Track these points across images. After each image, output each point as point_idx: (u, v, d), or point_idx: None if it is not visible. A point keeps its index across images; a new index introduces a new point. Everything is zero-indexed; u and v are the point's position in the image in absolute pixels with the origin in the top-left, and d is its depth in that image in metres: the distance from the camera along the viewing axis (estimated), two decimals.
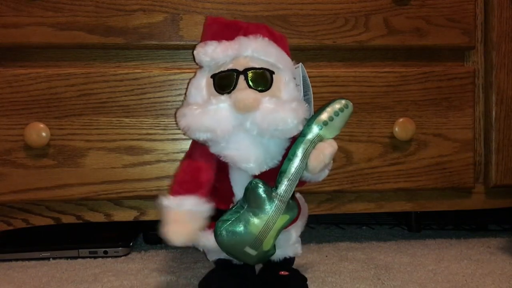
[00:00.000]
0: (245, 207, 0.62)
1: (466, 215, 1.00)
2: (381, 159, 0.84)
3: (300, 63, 0.70)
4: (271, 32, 0.69)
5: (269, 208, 0.62)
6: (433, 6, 0.84)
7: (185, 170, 0.65)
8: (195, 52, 0.67)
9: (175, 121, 0.80)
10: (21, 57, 0.80)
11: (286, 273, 0.67)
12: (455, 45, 0.86)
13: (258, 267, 0.71)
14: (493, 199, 0.90)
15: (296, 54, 0.78)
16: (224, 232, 0.61)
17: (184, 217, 0.61)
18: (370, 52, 0.86)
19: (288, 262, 0.70)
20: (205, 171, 0.64)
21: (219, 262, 0.69)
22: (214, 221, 0.63)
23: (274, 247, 0.64)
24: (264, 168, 0.64)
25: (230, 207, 0.64)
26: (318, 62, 0.85)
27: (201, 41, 0.68)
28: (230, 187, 0.67)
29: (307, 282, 0.68)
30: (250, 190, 0.62)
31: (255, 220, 0.61)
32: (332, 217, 1.06)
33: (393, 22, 0.84)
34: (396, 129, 0.83)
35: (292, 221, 0.65)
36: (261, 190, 0.62)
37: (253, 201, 0.62)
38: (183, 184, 0.63)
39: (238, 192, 0.66)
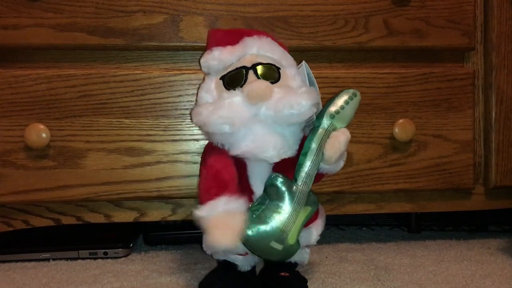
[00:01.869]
0: (267, 202, 0.62)
1: (466, 216, 1.00)
2: (381, 160, 0.84)
3: (303, 61, 0.71)
4: (273, 38, 0.71)
5: (291, 200, 0.62)
6: (432, 7, 0.84)
7: (206, 177, 0.64)
8: (202, 60, 0.69)
9: (175, 122, 0.80)
10: (21, 58, 0.80)
11: (287, 274, 0.67)
12: (454, 46, 0.86)
13: (258, 268, 0.71)
14: (493, 200, 0.90)
15: (296, 55, 0.78)
16: (248, 230, 0.61)
17: (222, 220, 0.60)
18: (370, 53, 0.86)
19: (290, 265, 0.69)
20: (225, 170, 0.64)
21: (222, 263, 0.69)
22: None
23: (298, 242, 0.64)
24: (283, 156, 0.64)
25: (251, 205, 0.64)
26: (318, 63, 0.85)
27: (206, 49, 0.70)
28: (248, 186, 0.66)
29: (307, 283, 0.68)
30: (270, 184, 0.63)
31: (279, 214, 0.62)
32: (332, 218, 1.05)
33: (393, 23, 0.84)
34: (396, 130, 0.83)
35: (313, 215, 0.65)
36: (281, 183, 0.62)
37: (274, 195, 0.62)
38: (209, 191, 0.62)
39: (257, 189, 0.66)
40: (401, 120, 0.83)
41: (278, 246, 0.62)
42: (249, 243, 0.62)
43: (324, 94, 0.81)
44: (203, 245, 0.68)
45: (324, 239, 0.94)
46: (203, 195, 0.63)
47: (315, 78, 0.71)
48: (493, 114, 0.86)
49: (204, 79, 0.70)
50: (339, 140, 0.64)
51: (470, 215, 0.99)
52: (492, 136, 0.87)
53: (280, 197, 0.62)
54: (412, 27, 0.84)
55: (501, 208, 0.91)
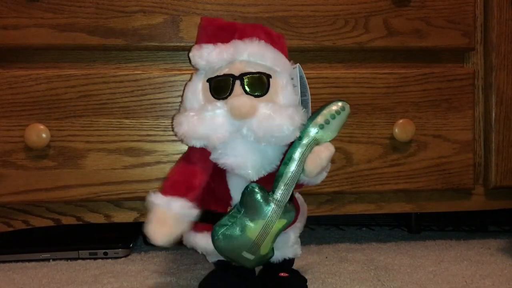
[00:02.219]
0: (242, 211, 0.62)
1: (466, 216, 1.00)
2: (381, 160, 0.84)
3: (298, 64, 0.70)
4: (268, 32, 0.68)
5: (266, 212, 0.62)
6: (432, 8, 0.84)
7: (180, 171, 0.66)
8: (190, 54, 0.67)
9: None
10: (22, 58, 0.81)
11: (286, 274, 0.67)
12: (454, 47, 0.86)
13: (258, 268, 0.71)
14: (493, 200, 0.90)
15: (296, 55, 0.78)
16: (221, 237, 0.61)
17: (169, 219, 0.61)
18: (370, 53, 0.86)
19: (287, 263, 0.70)
20: (199, 176, 0.64)
21: (219, 263, 0.69)
22: (212, 224, 0.63)
23: (272, 250, 0.64)
24: (262, 173, 0.64)
25: (228, 211, 0.64)
26: (318, 64, 0.85)
27: (196, 43, 0.68)
28: (228, 190, 0.67)
29: (307, 284, 0.68)
30: (246, 195, 0.62)
31: (252, 225, 0.61)
32: (332, 218, 1.06)
33: (393, 23, 0.84)
34: (396, 130, 0.83)
35: (290, 224, 0.65)
36: (257, 195, 0.62)
37: (250, 206, 0.62)
38: (175, 185, 0.63)
39: (236, 195, 0.66)
40: (401, 120, 0.83)
41: (250, 256, 0.63)
42: (220, 250, 0.62)
43: (323, 94, 0.82)
44: (183, 239, 0.69)
45: (324, 239, 0.94)
46: (167, 184, 0.64)
47: (315, 78, 0.71)
48: (493, 115, 0.86)
49: (191, 77, 0.68)
50: (321, 156, 0.63)
51: (470, 215, 0.99)
52: (492, 136, 0.87)
53: (255, 209, 0.61)
54: (412, 27, 0.84)
55: (501, 208, 0.91)
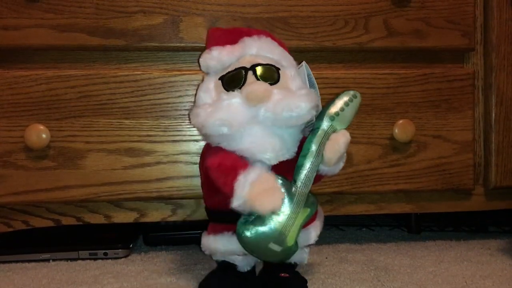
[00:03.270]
0: None
1: (466, 217, 1.00)
2: (381, 161, 0.84)
3: (304, 62, 0.71)
4: (272, 36, 0.71)
5: (290, 202, 0.62)
6: (432, 8, 0.84)
7: (218, 175, 0.63)
8: (201, 59, 0.68)
9: (175, 122, 0.80)
10: (21, 59, 0.81)
11: (287, 275, 0.67)
12: (454, 47, 0.86)
13: (258, 269, 0.71)
14: (493, 201, 0.90)
15: (296, 56, 0.78)
16: (246, 232, 0.61)
17: (255, 190, 0.59)
18: (369, 53, 0.86)
19: (289, 265, 0.69)
20: (239, 160, 0.63)
21: (221, 263, 0.69)
22: (229, 223, 0.63)
23: (296, 243, 0.64)
24: (281, 158, 0.63)
25: None
26: (318, 64, 0.85)
27: (206, 49, 0.69)
28: None
29: (307, 284, 0.68)
30: None
31: (278, 215, 0.62)
32: (332, 218, 1.06)
33: (392, 24, 0.84)
34: (396, 130, 0.83)
35: (312, 216, 0.65)
36: (280, 185, 0.62)
37: None
38: (227, 182, 0.61)
39: None
40: (401, 121, 0.83)
41: (277, 248, 0.62)
42: (247, 245, 0.62)
43: (324, 94, 0.81)
44: (201, 246, 0.68)
45: (324, 239, 0.94)
46: (226, 191, 0.61)
47: (315, 78, 0.71)
48: (493, 115, 0.87)
49: (203, 79, 0.70)
50: (339, 142, 0.64)
51: (470, 216, 0.99)
52: (492, 136, 0.87)
53: None
54: (412, 27, 0.84)
55: (501, 208, 0.91)
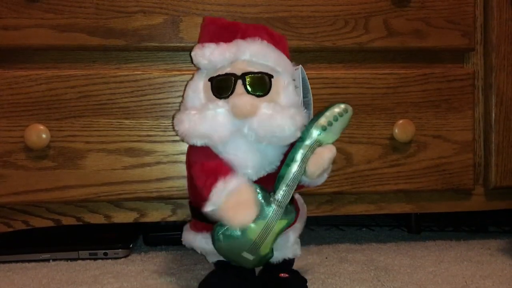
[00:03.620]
0: None
1: (466, 217, 1.00)
2: (381, 161, 0.84)
3: (300, 65, 0.70)
4: (270, 33, 0.68)
5: (267, 213, 0.62)
6: (432, 8, 0.84)
7: (199, 175, 0.63)
8: (192, 53, 0.67)
9: None
10: (21, 59, 0.81)
11: (286, 275, 0.67)
12: (454, 47, 0.86)
13: (258, 269, 0.71)
14: (493, 201, 0.90)
15: (296, 56, 0.78)
16: (221, 237, 0.61)
17: (230, 201, 0.59)
18: (369, 53, 0.86)
19: (287, 263, 0.70)
20: (223, 164, 0.63)
21: (219, 263, 0.69)
22: (212, 224, 0.63)
23: (272, 250, 0.64)
24: (262, 173, 0.64)
25: None
26: (318, 64, 0.85)
27: (198, 42, 0.68)
28: None
29: (307, 284, 0.68)
30: None
31: (253, 225, 0.61)
32: (332, 218, 1.06)
33: (392, 24, 0.84)
34: (396, 130, 0.83)
35: (290, 225, 0.65)
36: (259, 196, 0.62)
37: None
38: (206, 185, 0.61)
39: None
40: (401, 121, 0.83)
41: (250, 257, 0.62)
42: (220, 250, 0.62)
43: (324, 95, 0.82)
44: (182, 239, 0.69)
45: (324, 239, 0.94)
46: (203, 192, 0.62)
47: (315, 79, 0.71)
48: (493, 115, 0.87)
49: (193, 76, 0.68)
50: (323, 157, 0.63)
51: (470, 216, 0.99)
52: (492, 136, 0.87)
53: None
54: (412, 27, 0.84)
55: (501, 208, 0.91)
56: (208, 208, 0.60)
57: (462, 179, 0.86)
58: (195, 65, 0.68)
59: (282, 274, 0.67)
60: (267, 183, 0.63)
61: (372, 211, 0.88)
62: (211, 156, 0.64)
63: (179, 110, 0.70)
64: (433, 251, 0.86)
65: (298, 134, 0.63)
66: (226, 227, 0.61)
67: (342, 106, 0.65)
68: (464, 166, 0.86)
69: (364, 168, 0.84)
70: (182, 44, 0.81)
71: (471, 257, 0.82)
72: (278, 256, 0.68)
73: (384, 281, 0.71)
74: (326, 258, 0.83)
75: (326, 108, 0.65)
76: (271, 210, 0.62)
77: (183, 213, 0.85)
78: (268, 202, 0.62)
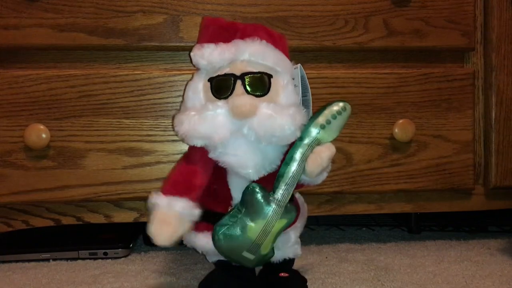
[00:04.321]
0: (243, 211, 0.62)
1: (466, 217, 1.00)
2: (381, 161, 0.84)
3: (299, 64, 0.70)
4: (269, 33, 0.68)
5: (267, 212, 0.62)
6: (432, 8, 0.84)
7: (181, 171, 0.66)
8: (191, 54, 0.67)
9: None
10: (21, 58, 0.81)
11: (286, 274, 0.67)
12: (454, 47, 0.86)
13: (258, 269, 0.71)
14: (493, 201, 0.90)
15: (296, 55, 0.78)
16: (222, 237, 0.62)
17: (171, 219, 0.61)
18: (369, 53, 0.86)
19: (288, 263, 0.70)
20: (200, 176, 0.64)
21: (219, 263, 0.69)
22: (212, 224, 0.63)
23: (272, 250, 0.64)
24: (262, 173, 0.64)
25: (228, 210, 0.64)
26: (318, 64, 0.85)
27: (197, 42, 0.68)
28: (229, 190, 0.66)
29: (307, 284, 0.68)
30: (247, 195, 0.62)
31: (253, 225, 0.61)
32: (332, 218, 1.06)
33: (392, 23, 0.84)
34: (396, 130, 0.83)
35: (290, 224, 0.65)
36: (258, 195, 0.62)
37: (251, 205, 0.62)
38: (176, 185, 0.64)
39: (236, 195, 0.66)
40: (401, 121, 0.83)
41: (250, 256, 0.63)
42: (221, 250, 0.63)
43: (324, 94, 0.82)
44: (183, 239, 0.68)
45: (324, 239, 0.94)
46: (168, 184, 0.64)
47: (315, 78, 0.71)
48: (493, 115, 0.86)
49: (193, 76, 0.68)
50: (322, 156, 0.63)
51: (470, 216, 0.99)
52: (492, 136, 0.87)
53: (255, 209, 0.62)
54: (412, 27, 0.84)
55: (501, 208, 0.91)
56: (157, 200, 0.62)
57: (462, 179, 0.86)
58: (194, 66, 0.68)
59: (282, 274, 0.67)
60: (268, 183, 0.63)
61: (372, 211, 0.88)
62: (193, 163, 0.65)
63: (179, 110, 0.70)
64: (433, 250, 0.86)
65: (298, 134, 0.63)
66: (227, 226, 0.61)
67: (341, 104, 0.65)
68: (464, 166, 0.86)
69: (364, 167, 0.84)
70: (182, 44, 0.81)
71: (471, 257, 0.82)
72: (279, 255, 0.68)
73: (384, 280, 0.71)
74: (326, 257, 0.83)
75: (324, 106, 0.66)
76: (271, 209, 0.62)
77: None
78: (267, 201, 0.62)
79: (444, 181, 0.85)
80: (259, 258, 0.63)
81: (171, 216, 0.61)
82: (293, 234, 0.69)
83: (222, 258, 0.67)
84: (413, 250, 0.86)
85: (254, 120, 0.62)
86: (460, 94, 0.85)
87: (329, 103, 0.66)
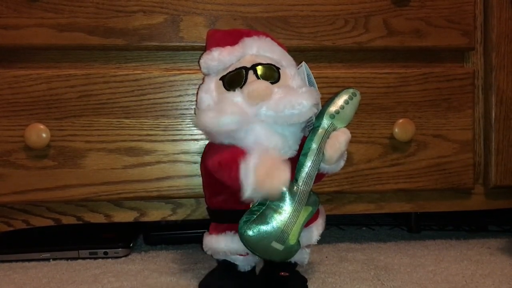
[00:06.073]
0: (267, 202, 0.62)
1: (466, 216, 1.00)
2: (381, 160, 0.84)
3: (303, 62, 0.71)
4: (272, 37, 0.71)
5: (292, 200, 0.62)
6: (432, 7, 0.84)
7: (223, 165, 0.63)
8: (201, 61, 0.69)
9: (175, 122, 0.80)
10: (22, 58, 0.81)
11: (286, 274, 0.67)
12: (454, 46, 0.86)
13: (258, 268, 0.71)
14: (493, 200, 0.90)
15: (296, 55, 0.78)
16: (249, 230, 0.61)
17: (262, 166, 0.59)
18: (369, 53, 0.86)
19: (289, 264, 0.69)
20: (236, 150, 0.63)
21: (222, 262, 0.69)
22: (235, 222, 0.63)
23: (299, 242, 0.64)
24: (284, 156, 0.64)
25: (251, 205, 0.63)
26: (318, 63, 0.85)
27: (205, 50, 0.70)
28: None
29: (307, 283, 0.68)
30: None
31: (280, 214, 0.62)
32: (332, 218, 1.06)
33: (392, 23, 0.84)
34: (396, 130, 0.83)
35: (314, 215, 0.65)
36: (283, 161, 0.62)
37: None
38: (235, 162, 0.60)
39: None
40: (401, 120, 0.83)
41: (279, 247, 0.62)
42: (249, 244, 0.62)
43: (324, 94, 0.81)
44: (204, 246, 0.68)
45: (324, 238, 0.94)
46: (234, 185, 0.61)
47: (315, 78, 0.71)
48: (493, 114, 0.87)
49: (203, 80, 0.70)
50: (339, 140, 0.64)
51: (470, 215, 0.99)
52: (492, 136, 0.87)
53: (281, 197, 0.62)
54: (412, 27, 0.84)
55: (501, 208, 0.91)
56: (246, 194, 0.60)
57: (462, 178, 0.86)
58: (204, 73, 0.69)
59: (283, 273, 0.67)
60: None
61: (372, 210, 0.88)
62: (224, 151, 0.64)
63: (195, 114, 0.70)
64: (433, 250, 0.86)
65: (315, 110, 0.64)
66: (253, 219, 0.62)
67: (350, 90, 0.67)
68: (464, 165, 0.86)
69: (364, 167, 0.84)
70: (182, 44, 0.81)
71: (471, 256, 0.82)
72: None
73: (384, 280, 0.71)
74: (326, 257, 0.83)
75: (335, 95, 0.67)
76: (296, 197, 0.62)
77: (183, 213, 0.85)
78: (291, 190, 0.63)
79: (444, 180, 0.86)
80: (287, 249, 0.63)
81: (258, 170, 0.59)
82: (316, 230, 0.68)
83: (228, 258, 0.67)
84: (413, 250, 0.86)
85: (271, 101, 0.62)
86: (460, 94, 0.86)
87: (339, 92, 0.67)
